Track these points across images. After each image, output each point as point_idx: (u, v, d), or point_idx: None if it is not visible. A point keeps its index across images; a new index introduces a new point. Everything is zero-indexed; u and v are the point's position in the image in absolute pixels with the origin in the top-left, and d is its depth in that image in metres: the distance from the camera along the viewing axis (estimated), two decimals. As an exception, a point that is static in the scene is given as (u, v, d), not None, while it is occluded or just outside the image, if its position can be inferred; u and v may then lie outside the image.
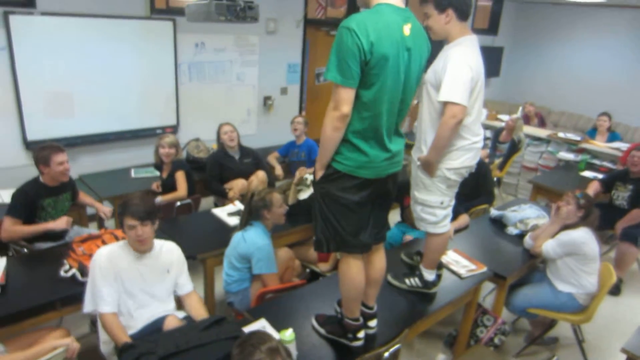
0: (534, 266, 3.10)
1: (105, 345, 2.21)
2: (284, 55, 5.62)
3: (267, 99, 5.59)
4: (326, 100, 6.16)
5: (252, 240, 2.61)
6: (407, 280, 2.46)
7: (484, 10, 7.84)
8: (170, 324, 2.14)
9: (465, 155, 2.14)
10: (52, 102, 4.07)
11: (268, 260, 2.63)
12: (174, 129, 4.84)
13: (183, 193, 3.57)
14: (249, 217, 2.74)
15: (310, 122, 4.69)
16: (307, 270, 3.33)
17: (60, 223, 2.79)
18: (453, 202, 2.30)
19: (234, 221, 3.16)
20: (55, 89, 4.06)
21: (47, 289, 2.33)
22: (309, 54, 5.94)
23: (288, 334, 1.82)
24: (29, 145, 4.02)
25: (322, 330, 2.08)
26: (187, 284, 2.35)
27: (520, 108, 6.20)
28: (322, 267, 3.23)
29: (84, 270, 2.35)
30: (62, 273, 2.40)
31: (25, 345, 2.02)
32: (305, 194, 3.41)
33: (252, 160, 4.09)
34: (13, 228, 2.68)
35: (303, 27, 5.67)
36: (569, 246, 2.75)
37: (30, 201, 2.75)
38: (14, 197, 2.74)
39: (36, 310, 2.23)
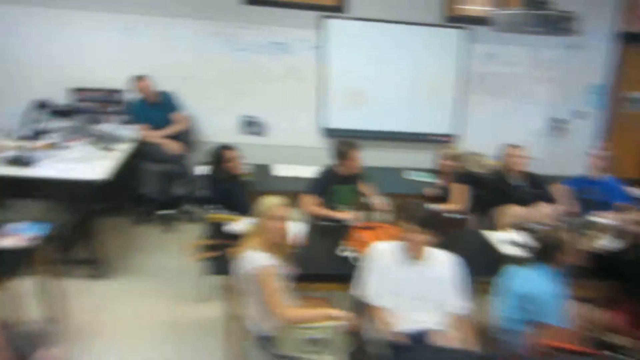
0: None
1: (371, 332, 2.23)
2: (583, 74, 4.87)
3: (557, 121, 4.91)
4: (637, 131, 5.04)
5: (536, 282, 2.24)
6: None
7: None
8: (436, 339, 2.06)
9: None
10: (347, 96, 4.56)
11: (554, 309, 2.21)
12: (455, 138, 4.77)
13: (459, 205, 3.45)
14: (537, 255, 2.36)
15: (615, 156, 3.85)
16: (595, 337, 2.68)
17: (349, 216, 3.05)
18: None
19: (506, 249, 2.82)
20: (351, 85, 4.53)
21: (328, 262, 2.56)
22: (618, 74, 4.94)
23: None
24: (325, 132, 4.58)
25: None
26: (456, 303, 2.20)
27: None
28: (619, 339, 2.54)
29: (357, 255, 2.50)
30: (338, 251, 2.62)
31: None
32: (600, 242, 2.79)
33: (537, 189, 3.59)
34: (313, 207, 3.11)
35: (613, 42, 4.76)
36: None
37: (325, 185, 3.16)
38: (315, 179, 3.19)
39: (318, 276, 2.49)
